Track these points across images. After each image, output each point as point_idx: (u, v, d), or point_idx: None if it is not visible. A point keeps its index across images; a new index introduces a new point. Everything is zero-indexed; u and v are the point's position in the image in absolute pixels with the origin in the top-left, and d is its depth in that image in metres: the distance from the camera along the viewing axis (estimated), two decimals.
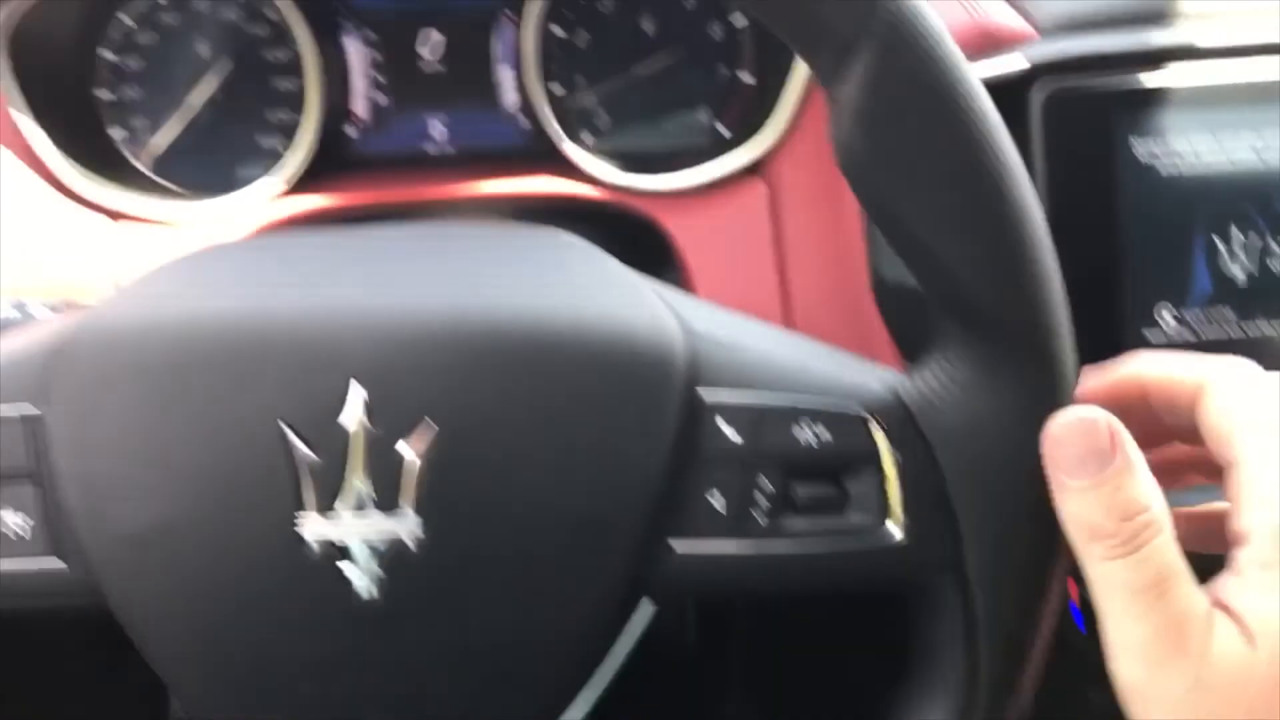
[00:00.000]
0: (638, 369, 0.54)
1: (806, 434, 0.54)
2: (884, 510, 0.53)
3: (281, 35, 1.07)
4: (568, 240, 0.62)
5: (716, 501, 0.52)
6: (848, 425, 0.54)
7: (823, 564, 0.53)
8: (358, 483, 0.50)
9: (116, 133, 1.07)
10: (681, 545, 0.52)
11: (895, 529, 0.53)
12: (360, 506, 0.50)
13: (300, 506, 0.50)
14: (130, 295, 0.57)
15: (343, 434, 0.52)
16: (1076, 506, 0.47)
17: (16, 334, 0.57)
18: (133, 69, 1.06)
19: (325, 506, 0.50)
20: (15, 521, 0.53)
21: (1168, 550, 0.46)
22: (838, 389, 0.55)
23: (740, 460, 0.53)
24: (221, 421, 0.52)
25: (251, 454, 0.52)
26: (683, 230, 1.00)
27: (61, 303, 0.75)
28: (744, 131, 1.09)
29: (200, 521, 0.51)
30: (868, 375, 0.57)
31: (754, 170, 1.05)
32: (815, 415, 0.54)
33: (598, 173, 1.05)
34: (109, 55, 1.06)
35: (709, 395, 0.54)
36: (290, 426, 0.51)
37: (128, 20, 1.05)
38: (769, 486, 0.53)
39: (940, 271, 0.54)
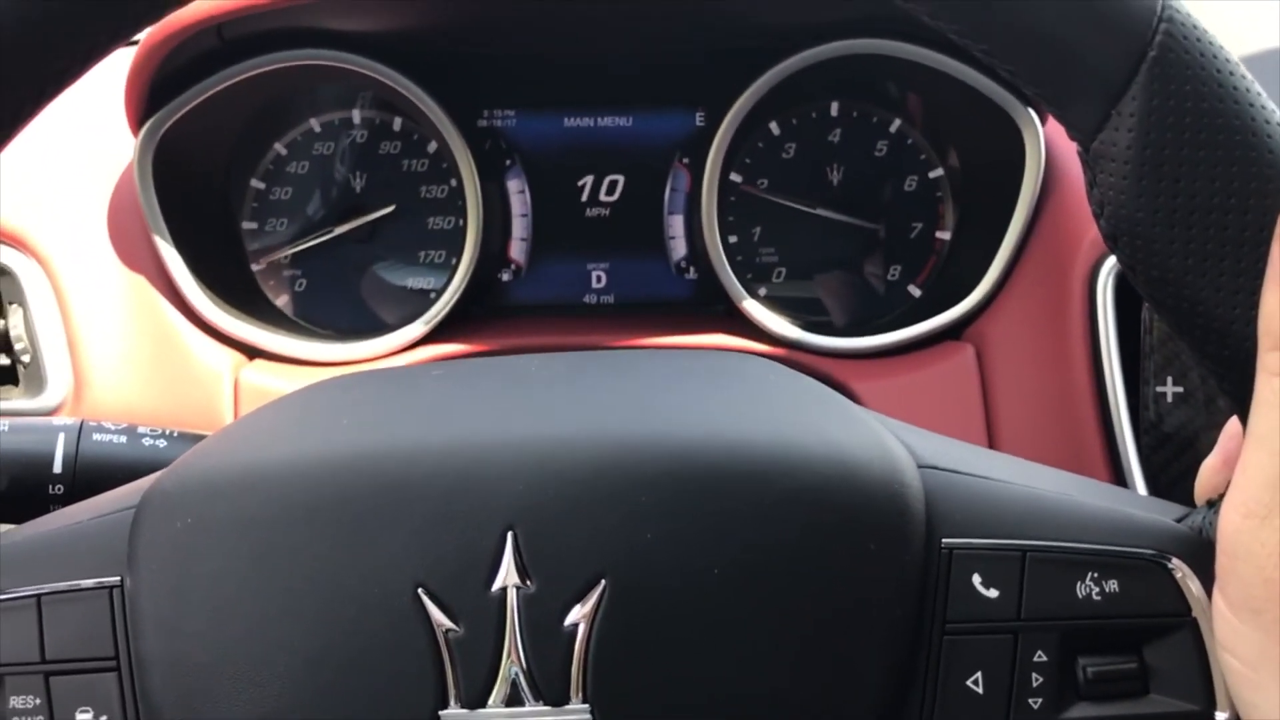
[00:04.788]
0: (865, 512, 0.42)
1: (1092, 591, 0.43)
2: (1202, 689, 0.43)
3: (442, 171, 1.00)
4: (764, 361, 0.51)
5: (975, 685, 0.42)
6: (1147, 576, 0.44)
7: None
8: (514, 667, 0.41)
9: (258, 266, 1.00)
10: None
11: (1222, 715, 0.43)
12: (516, 700, 0.41)
13: (443, 702, 0.41)
14: (233, 435, 0.46)
15: (495, 602, 0.41)
16: (1278, 303, 0.40)
17: (112, 495, 0.47)
18: (281, 200, 1.01)
19: (474, 700, 0.41)
20: None
21: None
22: (1129, 530, 0.44)
23: (1004, 629, 0.43)
24: (343, 590, 0.41)
25: (380, 631, 0.41)
26: (875, 394, 0.89)
27: (174, 431, 0.65)
28: (935, 291, 0.99)
29: None
30: (1160, 510, 0.46)
31: (950, 333, 0.94)
32: (1104, 565, 0.43)
33: (776, 329, 0.94)
34: (258, 184, 1.00)
35: (958, 547, 0.43)
36: (430, 594, 0.41)
37: (281, 150, 1.00)
38: (1045, 663, 0.43)
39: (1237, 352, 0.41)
